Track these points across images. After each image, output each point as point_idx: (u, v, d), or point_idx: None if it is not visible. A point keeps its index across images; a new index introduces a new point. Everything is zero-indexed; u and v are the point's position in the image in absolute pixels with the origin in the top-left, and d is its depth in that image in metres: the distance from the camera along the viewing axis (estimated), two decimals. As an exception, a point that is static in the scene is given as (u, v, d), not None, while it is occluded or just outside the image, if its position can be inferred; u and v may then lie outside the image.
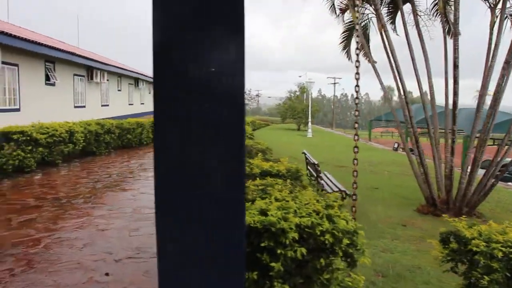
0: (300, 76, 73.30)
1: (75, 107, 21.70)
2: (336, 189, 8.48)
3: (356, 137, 4.41)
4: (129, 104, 32.38)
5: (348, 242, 2.82)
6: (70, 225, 6.57)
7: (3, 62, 14.34)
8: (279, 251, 2.73)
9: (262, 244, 2.71)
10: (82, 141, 12.92)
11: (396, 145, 26.39)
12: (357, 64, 4.36)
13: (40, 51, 16.05)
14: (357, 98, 4.45)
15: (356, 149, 4.28)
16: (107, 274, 4.80)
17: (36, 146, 10.88)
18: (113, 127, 15.32)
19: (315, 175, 8.81)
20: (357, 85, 4.45)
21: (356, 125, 4.52)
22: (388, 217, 8.44)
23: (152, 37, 1.09)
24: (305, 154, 10.22)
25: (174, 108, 1.10)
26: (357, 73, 4.45)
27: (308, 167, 9.80)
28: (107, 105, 26.82)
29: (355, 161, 4.32)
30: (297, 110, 29.90)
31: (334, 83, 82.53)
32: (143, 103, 36.79)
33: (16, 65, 15.86)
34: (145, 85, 36.51)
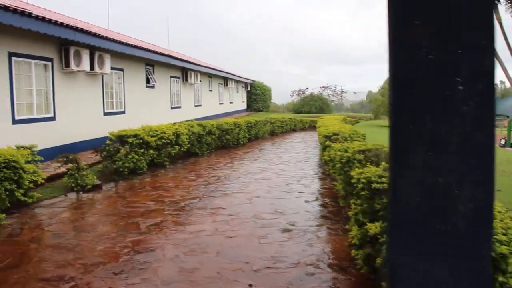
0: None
1: (172, 108, 22.34)
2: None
3: None
4: (220, 104, 32.94)
5: None
6: (196, 231, 6.55)
7: (111, 68, 14.98)
8: (500, 279, 2.40)
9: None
10: (187, 142, 13.14)
11: (503, 141, 23.92)
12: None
13: (142, 55, 16.62)
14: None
15: None
16: (250, 286, 4.65)
17: (147, 148, 11.18)
18: (214, 128, 15.48)
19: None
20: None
21: None
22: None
23: (388, 50, 1.05)
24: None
25: (416, 125, 1.05)
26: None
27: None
28: (200, 105, 27.43)
29: None
30: (390, 106, 28.74)
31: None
32: (232, 102, 37.32)
33: (122, 69, 16.53)
34: (234, 84, 36.99)
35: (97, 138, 14.70)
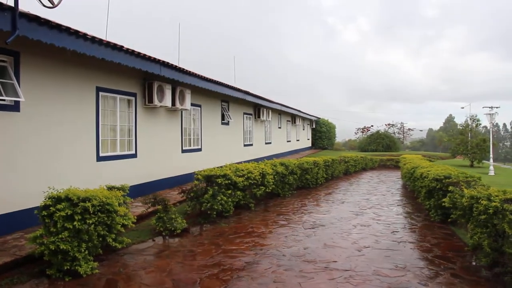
0: (462, 108, 68.98)
1: (244, 145, 21.73)
2: None
3: None
4: (287, 141, 32.17)
5: None
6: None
7: (190, 104, 14.55)
8: None
9: None
10: (272, 183, 12.27)
11: None
12: None
13: (221, 91, 16.15)
14: None
15: None
16: None
17: (235, 189, 10.39)
18: (296, 168, 14.56)
19: None
20: None
21: None
22: None
23: None
24: None
25: None
26: None
27: None
28: (270, 143, 26.74)
29: None
30: (471, 145, 26.85)
31: (491, 113, 74.94)
32: (298, 140, 36.50)
33: (199, 106, 16.13)
34: (301, 121, 36.23)
35: (175, 176, 14.19)
